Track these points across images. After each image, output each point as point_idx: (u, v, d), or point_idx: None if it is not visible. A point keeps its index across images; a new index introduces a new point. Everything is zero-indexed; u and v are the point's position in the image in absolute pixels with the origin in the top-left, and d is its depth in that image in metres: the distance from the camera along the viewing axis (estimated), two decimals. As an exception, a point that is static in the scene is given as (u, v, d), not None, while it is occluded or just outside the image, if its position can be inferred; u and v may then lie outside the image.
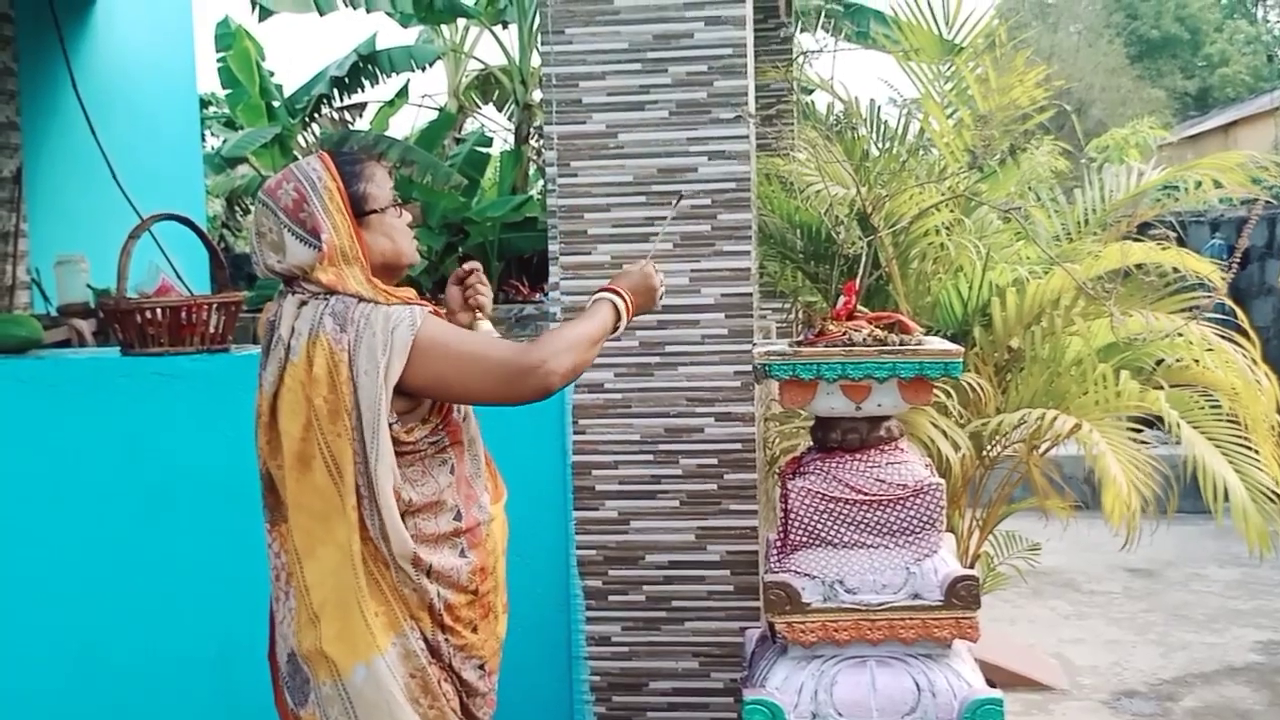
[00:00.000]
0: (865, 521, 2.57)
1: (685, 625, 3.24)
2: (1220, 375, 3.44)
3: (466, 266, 2.55)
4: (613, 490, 3.24)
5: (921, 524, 2.56)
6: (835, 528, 2.58)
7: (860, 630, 2.53)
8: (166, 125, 6.85)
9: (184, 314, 3.38)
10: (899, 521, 2.56)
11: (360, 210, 2.30)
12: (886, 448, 2.60)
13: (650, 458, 3.21)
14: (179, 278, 3.90)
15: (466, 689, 2.39)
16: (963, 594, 2.50)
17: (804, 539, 2.60)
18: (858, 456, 2.59)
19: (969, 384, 3.46)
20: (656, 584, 3.24)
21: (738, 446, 3.19)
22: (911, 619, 2.52)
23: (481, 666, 2.42)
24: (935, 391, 3.05)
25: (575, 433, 3.22)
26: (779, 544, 2.67)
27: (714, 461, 3.19)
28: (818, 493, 2.57)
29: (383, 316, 2.23)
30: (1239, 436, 3.37)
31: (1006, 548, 4.12)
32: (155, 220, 3.52)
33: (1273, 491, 3.27)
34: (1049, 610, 5.91)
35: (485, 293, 2.54)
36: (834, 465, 2.59)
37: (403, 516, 2.25)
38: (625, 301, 2.38)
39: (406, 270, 2.43)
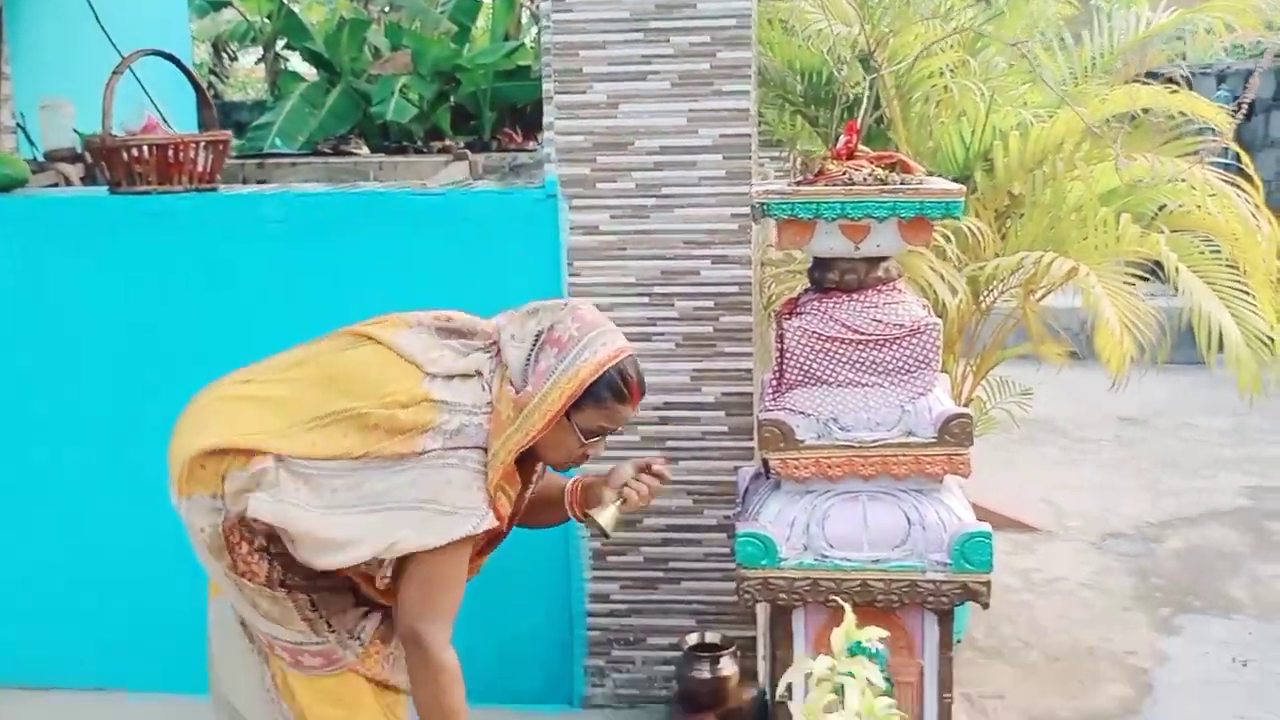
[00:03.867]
0: (861, 361, 2.58)
1: (680, 464, 3.27)
2: (1221, 220, 3.41)
3: (659, 470, 2.60)
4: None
5: (917, 363, 2.57)
6: (831, 367, 2.58)
7: (853, 466, 2.56)
8: (149, -35, 6.63)
9: (171, 152, 3.33)
10: (895, 361, 2.57)
11: (567, 412, 2.33)
12: (884, 288, 2.59)
13: (646, 300, 3.20)
14: (165, 121, 3.83)
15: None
16: (956, 431, 2.53)
17: (799, 378, 2.61)
18: (855, 297, 2.58)
19: (968, 228, 3.44)
20: (651, 424, 3.26)
21: (734, 289, 3.17)
22: (904, 455, 2.55)
23: None
24: (934, 235, 3.03)
25: (570, 275, 3.21)
26: (774, 384, 2.68)
27: (710, 304, 3.19)
28: (814, 332, 2.57)
29: (451, 498, 2.26)
30: (1237, 282, 3.36)
31: (999, 392, 4.15)
32: (139, 55, 3.44)
33: (1267, 337, 3.27)
34: (1039, 457, 6.00)
35: (643, 497, 2.57)
36: (831, 305, 2.58)
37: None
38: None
39: (538, 471, 2.50)
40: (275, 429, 2.34)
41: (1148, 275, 3.52)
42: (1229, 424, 6.43)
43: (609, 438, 2.47)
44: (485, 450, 2.28)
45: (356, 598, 2.50)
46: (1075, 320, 6.09)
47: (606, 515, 2.51)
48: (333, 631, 2.46)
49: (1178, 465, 5.80)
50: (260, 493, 2.28)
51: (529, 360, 2.33)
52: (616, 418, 2.39)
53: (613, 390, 2.34)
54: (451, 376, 2.32)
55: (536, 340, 2.34)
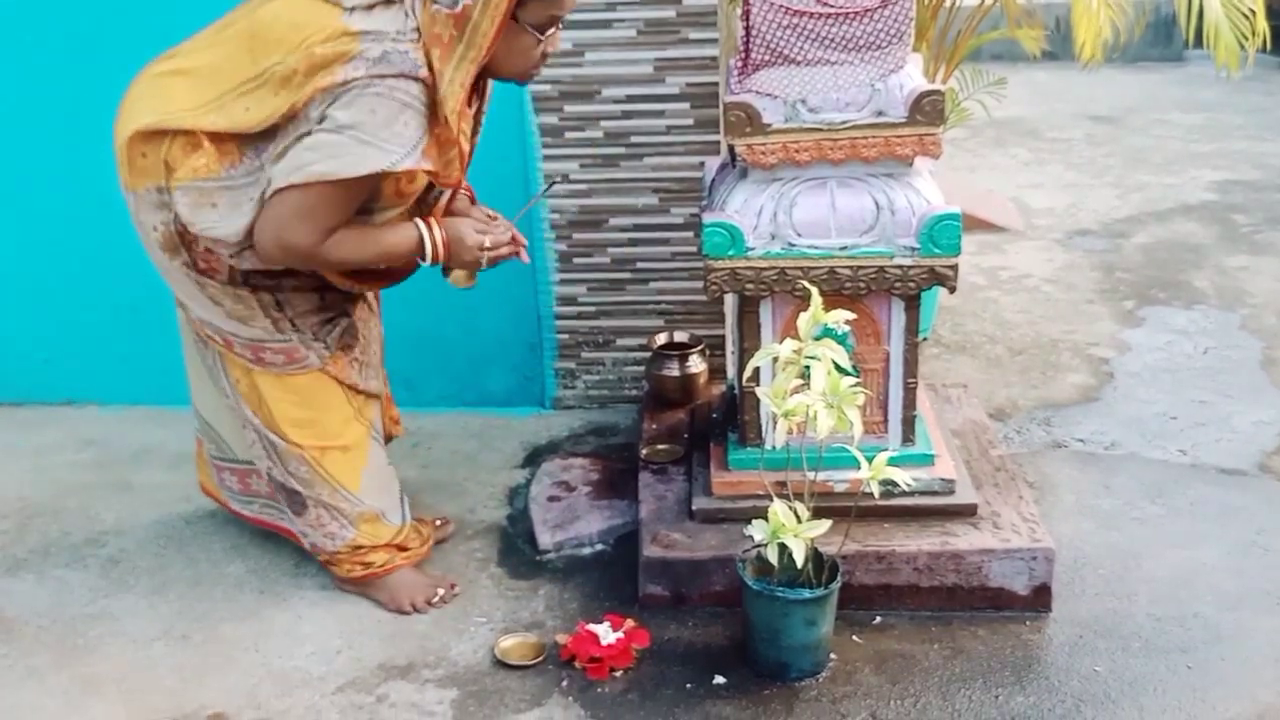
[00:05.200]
0: (830, 36, 2.45)
1: (644, 161, 3.18)
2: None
3: (493, 219, 2.46)
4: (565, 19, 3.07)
5: (889, 37, 2.44)
6: (799, 44, 2.46)
7: (821, 150, 2.47)
8: None
9: None
10: (866, 35, 2.44)
11: (514, 14, 2.17)
12: (855, -45, 2.43)
13: (604, -16, 3.03)
14: None
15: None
16: (927, 109, 2.43)
17: (765, 58, 2.48)
18: (824, -35, 2.43)
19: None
20: (614, 119, 3.15)
21: (697, -31, 3.00)
22: (874, 137, 2.46)
23: None
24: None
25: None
26: (739, 66, 2.55)
27: (672, -14, 3.02)
28: (780, 6, 2.43)
29: (386, 116, 2.12)
30: (1223, -49, 3.20)
31: (972, 83, 4.03)
32: None
33: (1249, 9, 3.15)
34: (1009, 158, 5.94)
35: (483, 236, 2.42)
36: (798, -24, 2.43)
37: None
38: (435, 242, 2.33)
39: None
40: (207, 101, 2.23)
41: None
42: (1201, 120, 6.35)
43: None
44: (417, 81, 2.15)
45: (323, 300, 2.46)
46: (1051, 17, 5.92)
47: (456, 275, 2.47)
48: (296, 331, 2.43)
49: (1147, 162, 5.75)
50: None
51: None
52: (564, 1, 2.27)
53: None
54: (371, 6, 2.17)
55: None
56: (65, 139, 3.29)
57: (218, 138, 2.23)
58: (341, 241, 2.23)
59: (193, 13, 2.40)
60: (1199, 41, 3.19)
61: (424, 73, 2.15)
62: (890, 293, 2.55)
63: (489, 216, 2.48)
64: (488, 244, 2.40)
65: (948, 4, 3.51)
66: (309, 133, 2.15)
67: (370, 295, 2.62)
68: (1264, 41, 3.21)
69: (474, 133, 2.39)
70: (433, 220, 2.36)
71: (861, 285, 2.52)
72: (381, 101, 2.12)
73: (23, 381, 3.58)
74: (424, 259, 2.35)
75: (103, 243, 3.35)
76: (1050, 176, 5.62)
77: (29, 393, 3.58)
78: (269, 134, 2.20)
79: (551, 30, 2.29)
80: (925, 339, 3.87)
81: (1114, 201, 5.23)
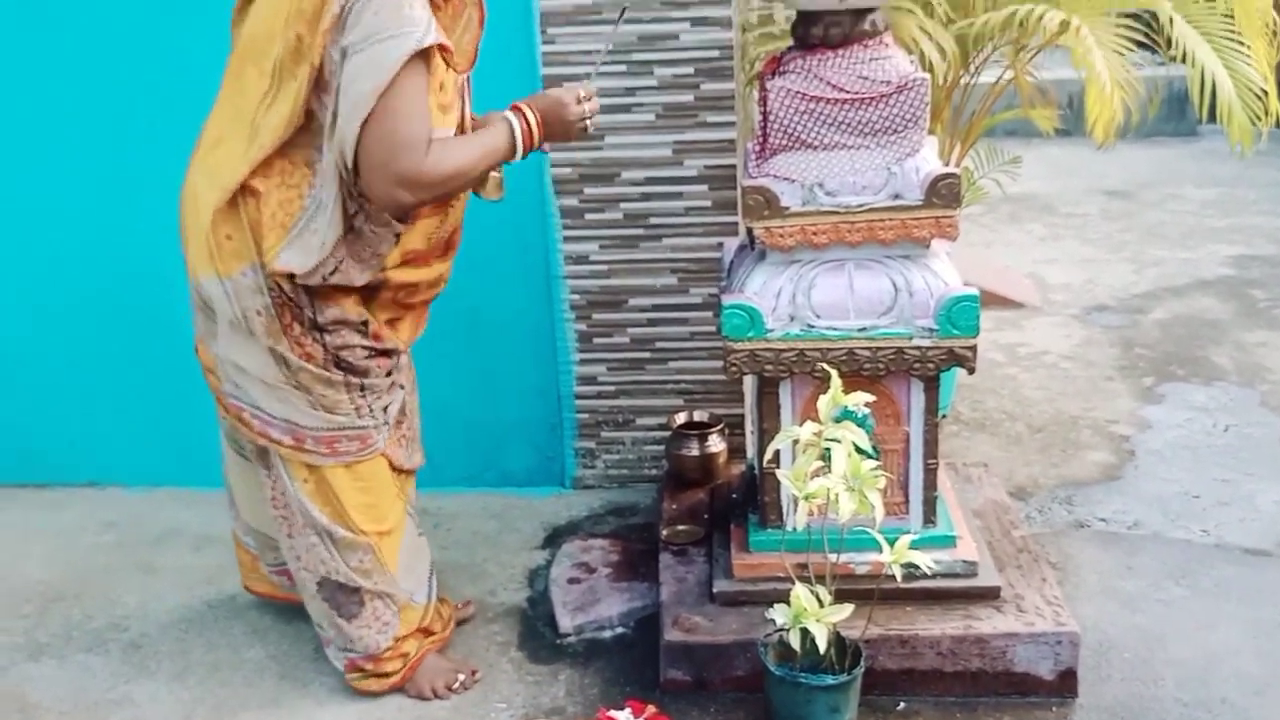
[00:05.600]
0: (847, 121, 2.49)
1: (663, 241, 3.21)
2: (1220, -31, 3.27)
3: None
4: (585, 106, 3.12)
5: (905, 122, 2.48)
6: (815, 129, 2.49)
7: (839, 233, 2.50)
8: None
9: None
10: (882, 120, 2.48)
11: None
12: (870, 43, 2.47)
13: (624, 68, 3.08)
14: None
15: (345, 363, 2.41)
16: (944, 192, 2.46)
17: (783, 142, 2.52)
18: (840, 52, 2.47)
19: (957, -13, 3.29)
20: (633, 201, 3.19)
21: (715, 54, 3.05)
22: (891, 219, 2.48)
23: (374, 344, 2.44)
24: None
25: (544, 43, 3.07)
26: (757, 150, 2.59)
27: (690, 71, 3.06)
28: (798, 92, 2.47)
29: (391, 11, 2.11)
30: (1231, 32, 3.24)
31: (987, 161, 4.07)
32: None
33: (1261, 89, 3.18)
34: (1025, 233, 5.96)
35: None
36: (815, 63, 2.48)
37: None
38: (529, 123, 2.33)
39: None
40: (246, 137, 2.27)
41: (1138, 45, 3.40)
42: (1215, 195, 6.37)
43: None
44: None
45: (391, 376, 2.52)
46: (1064, 94, 5.98)
47: (488, 186, 2.49)
48: (372, 415, 2.46)
49: (1163, 237, 5.77)
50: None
51: None
52: None
53: None
54: None
55: None
56: (94, 223, 3.35)
57: (280, 169, 2.26)
58: (443, 153, 2.22)
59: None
60: (1212, 117, 3.22)
61: None
62: (909, 373, 2.55)
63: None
64: (586, 102, 2.40)
65: (963, 84, 3.55)
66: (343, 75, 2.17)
67: (410, 368, 2.65)
68: (1277, 119, 3.24)
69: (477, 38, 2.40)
70: (519, 104, 2.37)
71: (880, 366, 2.53)
72: (379, 2, 2.13)
73: (47, 462, 3.60)
74: (518, 144, 2.34)
75: (128, 326, 3.40)
76: (1066, 252, 5.64)
77: (53, 474, 3.60)
78: (315, 128, 2.24)
79: None
80: (945, 416, 3.87)
81: (1131, 277, 5.24)
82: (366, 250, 2.32)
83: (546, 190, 3.19)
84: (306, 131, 2.25)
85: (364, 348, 2.41)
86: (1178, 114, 7.07)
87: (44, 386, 3.55)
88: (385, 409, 2.50)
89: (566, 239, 3.24)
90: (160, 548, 3.27)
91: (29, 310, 3.48)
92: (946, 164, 3.66)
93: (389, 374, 2.50)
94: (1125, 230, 5.91)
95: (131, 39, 3.19)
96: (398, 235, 2.34)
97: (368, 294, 2.41)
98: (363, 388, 2.43)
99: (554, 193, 3.19)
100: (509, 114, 2.35)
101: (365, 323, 2.40)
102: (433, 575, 2.67)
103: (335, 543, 2.48)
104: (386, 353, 2.47)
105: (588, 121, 2.41)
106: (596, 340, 3.34)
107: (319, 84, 2.20)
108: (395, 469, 2.56)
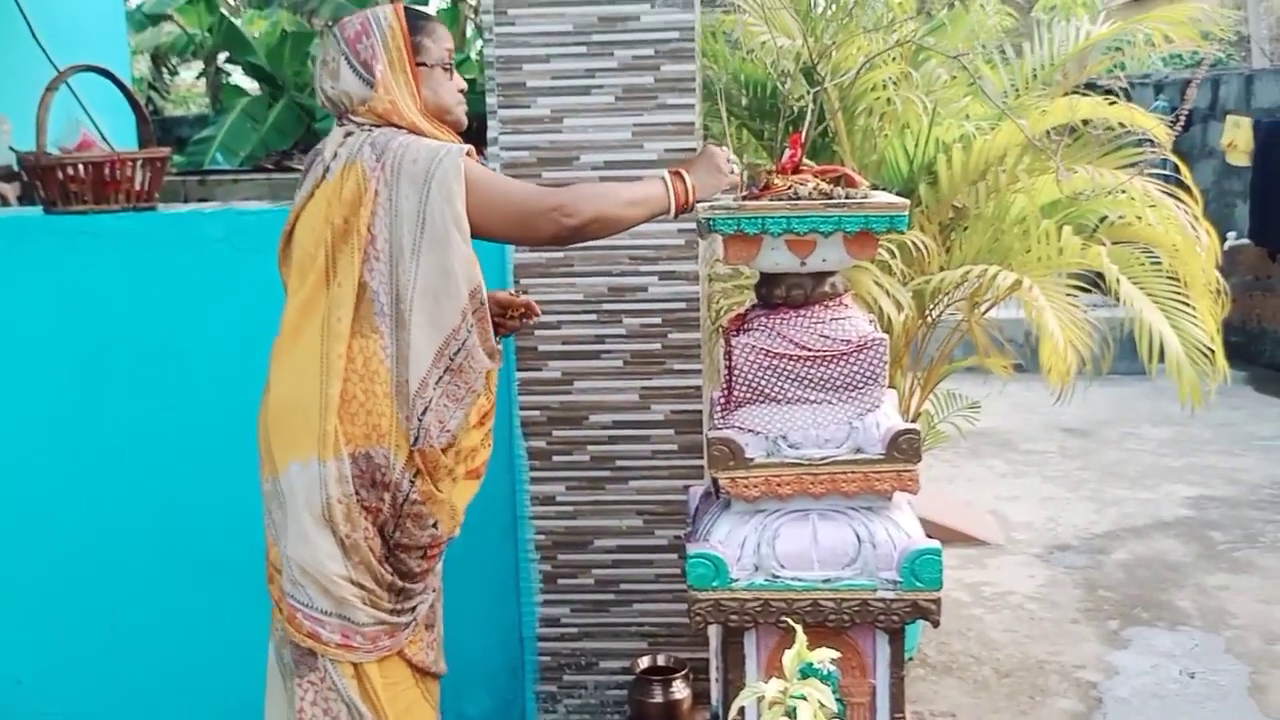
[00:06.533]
0: (809, 377, 2.56)
1: (629, 484, 3.24)
2: (1161, 232, 3.44)
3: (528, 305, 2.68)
4: (556, 350, 3.20)
5: (865, 379, 2.55)
6: (779, 384, 2.56)
7: (803, 484, 2.53)
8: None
9: (107, 170, 3.25)
10: (842, 377, 2.55)
11: (414, 60, 2.40)
12: (831, 303, 2.57)
13: (594, 317, 3.17)
14: (103, 137, 3.75)
15: (398, 565, 2.44)
16: (904, 447, 2.51)
17: (748, 395, 2.58)
18: (802, 312, 2.56)
19: (913, 242, 3.44)
20: (600, 444, 3.23)
21: (682, 305, 3.15)
22: (853, 472, 2.53)
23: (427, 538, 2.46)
24: (880, 249, 3.03)
25: (500, 25, 3.11)
26: (722, 401, 2.65)
27: (658, 321, 3.16)
28: (762, 349, 2.55)
29: (425, 147, 2.32)
30: (1177, 292, 3.39)
31: (946, 406, 4.16)
32: (74, 71, 3.37)
33: (1207, 348, 3.30)
34: (986, 469, 6.04)
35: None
36: (778, 321, 2.56)
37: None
38: (682, 180, 2.49)
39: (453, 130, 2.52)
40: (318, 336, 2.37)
41: (1090, 286, 3.54)
42: (1171, 434, 6.51)
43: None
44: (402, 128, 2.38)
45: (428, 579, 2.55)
46: (1020, 331, 6.17)
47: None
48: (412, 614, 2.49)
49: (1122, 475, 5.86)
50: None
51: (352, 69, 2.37)
52: (442, 35, 2.46)
53: (414, 14, 2.43)
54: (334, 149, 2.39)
55: (340, 56, 2.38)
56: (60, 458, 3.35)
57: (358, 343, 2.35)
58: (579, 197, 2.40)
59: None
60: (1162, 363, 3.32)
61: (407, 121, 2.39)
62: (874, 625, 2.55)
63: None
64: (725, 156, 2.55)
65: (922, 328, 3.67)
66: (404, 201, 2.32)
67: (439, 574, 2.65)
68: (1224, 376, 3.34)
69: None
70: (676, 169, 2.53)
71: (845, 618, 2.53)
72: (403, 137, 2.33)
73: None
74: (669, 188, 2.49)
75: (88, 565, 3.36)
76: (1028, 489, 5.71)
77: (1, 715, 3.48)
78: (364, 290, 2.34)
79: (451, 64, 2.48)
80: (911, 659, 3.83)
81: (1092, 516, 5.29)
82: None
83: (515, 432, 3.23)
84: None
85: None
86: (1130, 352, 7.25)
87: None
88: (414, 609, 2.51)
89: (534, 480, 3.26)
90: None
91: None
92: (907, 410, 3.76)
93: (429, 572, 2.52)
94: (1084, 468, 6.00)
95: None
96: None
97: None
98: (403, 574, 2.45)
99: (522, 435, 3.23)
100: (663, 173, 2.52)
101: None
102: None
103: None
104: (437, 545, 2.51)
105: (735, 170, 2.58)
106: (561, 581, 3.32)
107: (359, 238, 2.32)
108: (423, 671, 2.54)
